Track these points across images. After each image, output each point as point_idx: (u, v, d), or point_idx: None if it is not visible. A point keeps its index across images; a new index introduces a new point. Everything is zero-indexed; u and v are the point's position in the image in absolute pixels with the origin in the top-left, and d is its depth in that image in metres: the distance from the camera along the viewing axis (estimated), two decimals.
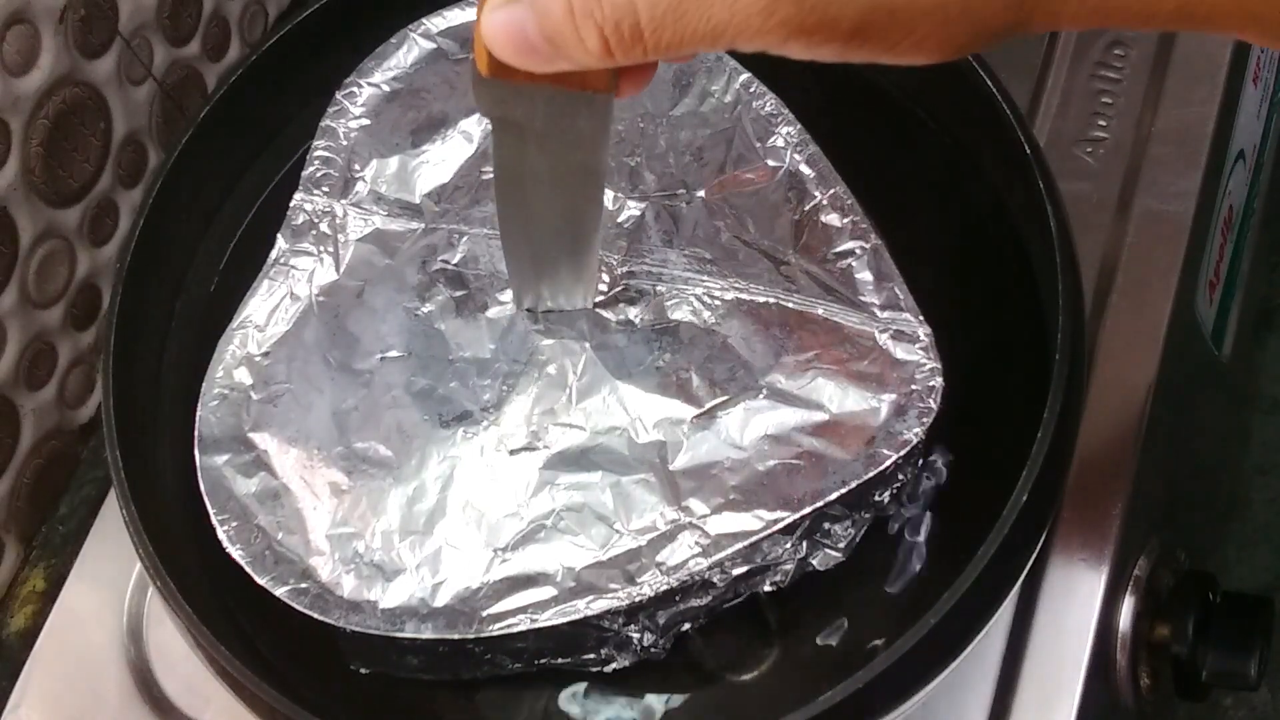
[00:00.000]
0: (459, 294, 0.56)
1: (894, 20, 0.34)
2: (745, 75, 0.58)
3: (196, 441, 0.53)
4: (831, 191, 0.56)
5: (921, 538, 0.53)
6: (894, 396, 0.51)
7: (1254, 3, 0.34)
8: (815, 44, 0.35)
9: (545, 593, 0.50)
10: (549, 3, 0.36)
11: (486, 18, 0.37)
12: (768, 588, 0.52)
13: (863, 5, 0.34)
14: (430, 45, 0.60)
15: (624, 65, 0.37)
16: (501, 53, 0.38)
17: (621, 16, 0.35)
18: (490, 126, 0.46)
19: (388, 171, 0.58)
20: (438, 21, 0.60)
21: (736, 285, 0.54)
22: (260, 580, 0.50)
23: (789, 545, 0.51)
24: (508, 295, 0.55)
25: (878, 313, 0.53)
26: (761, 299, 0.54)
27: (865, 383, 0.51)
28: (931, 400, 0.51)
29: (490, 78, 0.40)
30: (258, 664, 0.51)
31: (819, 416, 0.51)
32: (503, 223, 0.51)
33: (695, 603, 0.51)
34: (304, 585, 0.50)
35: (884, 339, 0.52)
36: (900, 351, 0.52)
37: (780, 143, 0.57)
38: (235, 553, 0.51)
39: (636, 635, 0.51)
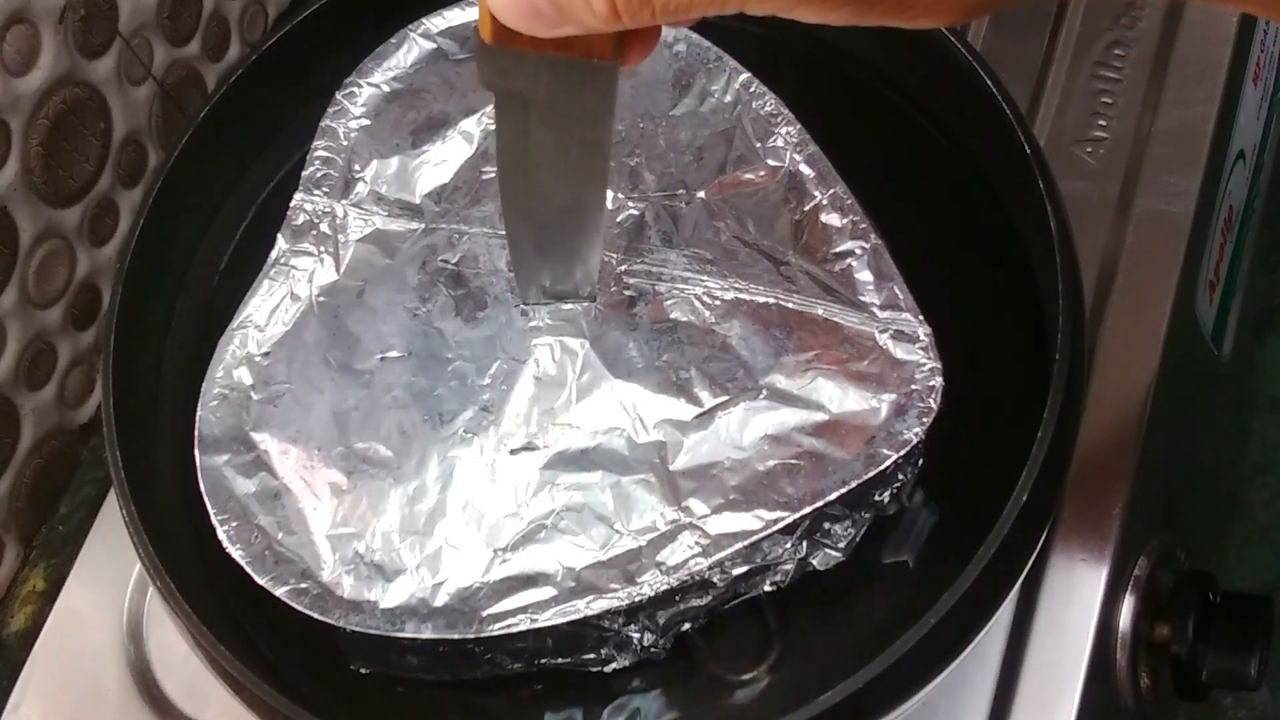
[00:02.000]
0: (459, 294, 0.56)
1: None
2: (745, 75, 0.58)
3: (196, 441, 0.53)
4: (831, 191, 0.56)
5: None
6: (894, 396, 0.51)
7: None
8: (828, 8, 0.34)
9: (545, 593, 0.50)
10: None
11: None
12: (768, 588, 0.52)
13: None
14: (430, 45, 0.60)
15: (630, 29, 0.36)
16: (506, 16, 0.37)
17: None
18: (491, 124, 0.46)
19: (388, 172, 0.58)
20: (438, 21, 0.60)
21: (736, 285, 0.54)
22: (260, 580, 0.50)
23: (789, 545, 0.51)
24: (508, 295, 0.55)
25: (877, 313, 0.53)
26: (761, 299, 0.54)
27: (865, 383, 0.51)
28: (931, 400, 0.51)
29: (494, 44, 0.39)
30: (258, 664, 0.51)
31: (819, 416, 0.51)
32: (505, 203, 0.50)
33: (695, 603, 0.51)
34: (304, 585, 0.50)
35: (884, 339, 0.52)
36: (900, 351, 0.52)
37: (780, 143, 0.57)
38: (235, 553, 0.51)
39: (636, 635, 0.51)
